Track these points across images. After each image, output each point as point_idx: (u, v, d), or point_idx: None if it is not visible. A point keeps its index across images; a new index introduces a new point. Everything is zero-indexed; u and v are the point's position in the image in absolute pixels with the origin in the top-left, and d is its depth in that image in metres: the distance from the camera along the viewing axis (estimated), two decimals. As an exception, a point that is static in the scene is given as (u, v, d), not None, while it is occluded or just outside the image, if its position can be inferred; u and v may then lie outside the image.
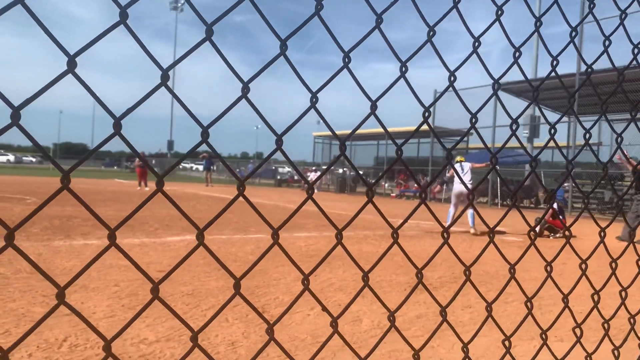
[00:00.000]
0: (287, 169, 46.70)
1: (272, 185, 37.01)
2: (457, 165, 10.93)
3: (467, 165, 10.79)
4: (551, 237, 10.62)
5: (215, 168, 32.25)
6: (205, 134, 0.76)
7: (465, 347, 1.04)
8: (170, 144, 58.12)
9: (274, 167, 43.89)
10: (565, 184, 22.72)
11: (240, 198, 0.89)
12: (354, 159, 34.75)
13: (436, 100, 1.03)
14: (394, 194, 29.04)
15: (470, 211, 10.70)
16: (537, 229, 10.64)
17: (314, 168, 32.44)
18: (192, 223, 0.77)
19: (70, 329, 3.44)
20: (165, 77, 0.67)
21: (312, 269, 0.93)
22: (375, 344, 1.03)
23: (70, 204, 12.61)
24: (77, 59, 0.63)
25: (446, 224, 9.63)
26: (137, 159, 23.31)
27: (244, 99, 0.76)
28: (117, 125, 0.63)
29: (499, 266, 6.44)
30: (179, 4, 65.18)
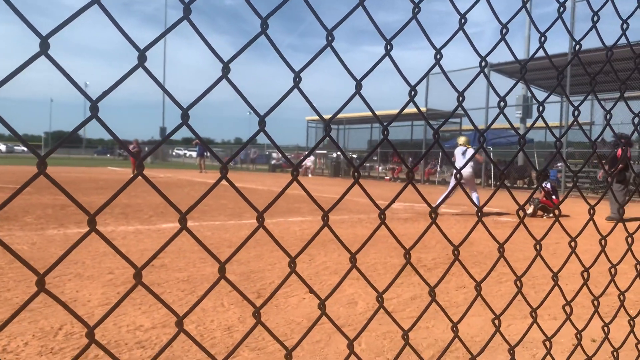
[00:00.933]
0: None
1: (266, 171, 36.97)
2: (460, 149, 10.90)
3: (469, 152, 10.73)
4: (545, 217, 10.68)
5: (208, 154, 32.12)
6: (185, 116, 0.74)
7: (454, 327, 1.04)
8: (163, 131, 57.77)
9: (267, 152, 43.78)
10: (559, 164, 22.86)
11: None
12: (347, 142, 34.72)
13: (422, 78, 1.01)
14: (387, 177, 29.09)
15: (475, 195, 10.72)
16: (531, 209, 10.70)
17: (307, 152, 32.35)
18: (173, 207, 0.76)
19: (66, 317, 3.44)
20: (142, 58, 0.66)
21: (298, 253, 0.93)
22: (363, 326, 1.03)
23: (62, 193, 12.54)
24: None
25: (437, 204, 9.59)
26: (131, 147, 23.14)
27: (224, 80, 0.74)
28: (94, 109, 0.62)
29: (493, 246, 6.47)
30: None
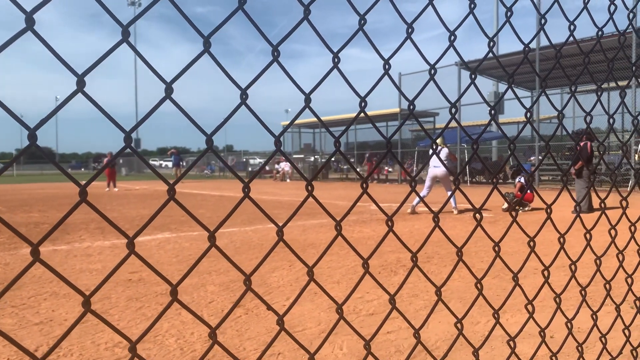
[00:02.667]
0: (258, 160, 46.50)
1: (245, 177, 36.83)
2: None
3: (444, 152, 10.91)
4: (520, 211, 10.84)
5: (184, 164, 31.90)
6: (127, 139, 0.74)
7: (417, 334, 1.04)
8: (138, 142, 57.09)
9: (244, 159, 43.67)
10: (532, 157, 23.26)
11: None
12: (324, 145, 34.81)
13: (371, 90, 1.02)
14: (366, 178, 29.18)
15: (450, 193, 10.78)
16: (506, 204, 10.85)
17: (283, 158, 32.38)
18: (120, 231, 0.76)
19: (42, 338, 3.38)
20: (81, 84, 0.65)
21: (254, 269, 0.93)
22: (324, 338, 1.03)
23: (36, 210, 12.32)
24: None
25: (414, 204, 9.67)
26: (105, 160, 22.80)
27: (168, 100, 0.74)
28: (32, 137, 0.61)
29: (471, 243, 6.54)
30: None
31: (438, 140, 11.15)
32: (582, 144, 10.43)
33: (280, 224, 0.97)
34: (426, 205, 1.25)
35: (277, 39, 0.92)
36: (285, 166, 32.27)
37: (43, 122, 0.64)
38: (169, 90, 0.74)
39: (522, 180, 11.20)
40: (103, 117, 0.77)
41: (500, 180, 23.98)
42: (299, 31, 0.93)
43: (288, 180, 31.33)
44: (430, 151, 11.35)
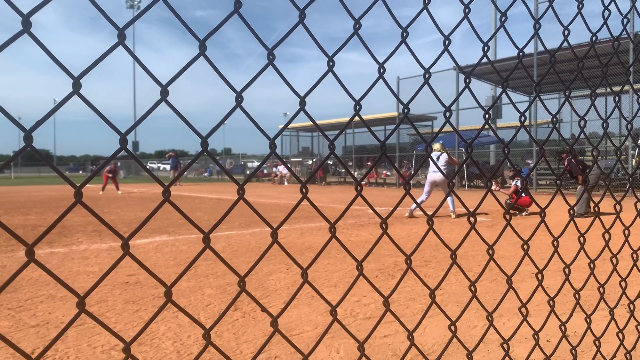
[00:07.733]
0: (256, 163, 46.58)
1: (242, 180, 36.78)
2: (434, 154, 11.09)
3: (443, 157, 10.93)
4: (517, 215, 10.85)
5: (182, 167, 31.85)
6: (123, 141, 0.75)
7: (410, 336, 1.05)
8: (136, 145, 57.00)
9: (242, 162, 43.74)
10: (530, 162, 23.31)
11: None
12: (322, 148, 34.89)
13: (365, 93, 1.03)
14: (364, 182, 29.24)
15: (450, 197, 10.83)
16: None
17: (283, 160, 32.36)
18: (115, 232, 0.76)
19: (38, 341, 3.38)
20: (77, 85, 0.66)
21: (248, 271, 0.93)
22: (317, 341, 1.03)
23: (34, 212, 12.30)
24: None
25: (412, 208, 9.70)
26: (107, 167, 22.67)
27: (164, 102, 0.75)
28: (28, 139, 0.62)
29: (468, 247, 6.55)
30: (135, 2, 63.89)
31: (437, 146, 11.15)
32: (565, 162, 10.70)
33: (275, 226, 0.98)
34: (421, 209, 1.25)
35: (275, 43, 0.93)
36: (283, 169, 32.27)
37: (39, 123, 0.64)
38: (164, 92, 0.75)
39: (518, 183, 11.23)
40: (101, 119, 0.78)
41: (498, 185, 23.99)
42: (298, 35, 0.94)
43: (286, 183, 31.32)
44: (433, 156, 11.37)
